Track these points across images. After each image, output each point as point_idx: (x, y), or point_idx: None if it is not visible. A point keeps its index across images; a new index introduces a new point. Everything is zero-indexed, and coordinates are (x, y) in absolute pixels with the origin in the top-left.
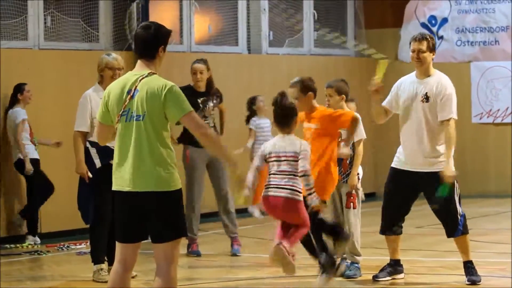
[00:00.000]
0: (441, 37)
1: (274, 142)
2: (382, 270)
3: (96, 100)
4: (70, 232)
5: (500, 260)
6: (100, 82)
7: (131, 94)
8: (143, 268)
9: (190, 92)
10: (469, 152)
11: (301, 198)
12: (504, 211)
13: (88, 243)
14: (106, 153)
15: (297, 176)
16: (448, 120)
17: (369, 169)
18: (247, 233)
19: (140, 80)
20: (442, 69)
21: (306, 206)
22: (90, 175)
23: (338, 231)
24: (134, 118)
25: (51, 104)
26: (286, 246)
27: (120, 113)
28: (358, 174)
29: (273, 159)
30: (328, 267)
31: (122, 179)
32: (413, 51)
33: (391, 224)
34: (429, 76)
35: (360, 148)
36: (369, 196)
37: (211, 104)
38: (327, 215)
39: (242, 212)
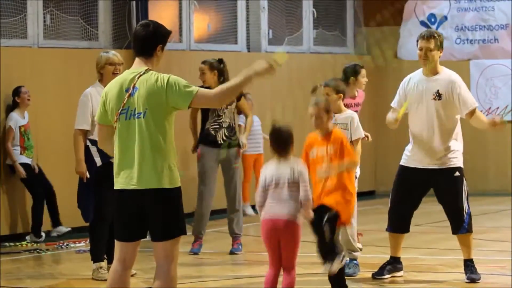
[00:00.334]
0: None
1: (272, 171)
2: (381, 268)
3: (97, 98)
4: (70, 230)
5: (500, 258)
6: (100, 80)
7: (130, 92)
8: (142, 266)
9: None
10: (468, 150)
11: (300, 223)
12: (504, 209)
13: (88, 241)
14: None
15: (297, 201)
16: (474, 109)
17: (369, 167)
18: (248, 231)
19: (138, 78)
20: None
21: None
22: (88, 176)
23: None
24: (135, 116)
25: (50, 103)
26: None
27: (119, 111)
28: (356, 173)
29: (273, 186)
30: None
31: (123, 177)
32: (421, 49)
33: (400, 222)
34: (437, 73)
35: (359, 147)
36: (369, 194)
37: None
38: None
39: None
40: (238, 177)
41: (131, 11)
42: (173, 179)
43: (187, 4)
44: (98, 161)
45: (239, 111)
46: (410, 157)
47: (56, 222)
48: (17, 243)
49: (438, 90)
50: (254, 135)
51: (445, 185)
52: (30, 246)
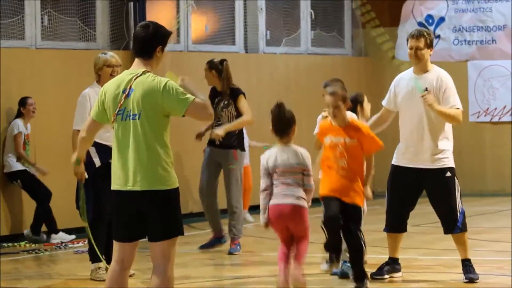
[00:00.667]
0: (438, 36)
1: (276, 155)
2: (380, 268)
3: (95, 98)
4: (68, 231)
5: (498, 258)
6: (98, 81)
7: (126, 93)
8: (141, 266)
9: (212, 92)
10: (466, 151)
11: (307, 206)
12: (502, 210)
13: (86, 242)
14: (105, 152)
15: (301, 186)
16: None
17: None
18: (245, 231)
19: (134, 79)
20: (439, 68)
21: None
22: (86, 176)
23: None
24: (131, 117)
25: (49, 104)
26: (298, 274)
27: (116, 112)
28: None
29: (276, 172)
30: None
31: (120, 178)
32: (411, 48)
33: (396, 221)
34: (427, 71)
35: None
36: None
37: (221, 104)
38: None
39: None
40: (235, 178)
41: (129, 12)
42: (169, 180)
43: (184, 5)
44: (97, 161)
45: (238, 113)
46: (401, 156)
47: (53, 228)
48: (16, 244)
49: (426, 88)
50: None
51: (437, 186)
52: (29, 247)
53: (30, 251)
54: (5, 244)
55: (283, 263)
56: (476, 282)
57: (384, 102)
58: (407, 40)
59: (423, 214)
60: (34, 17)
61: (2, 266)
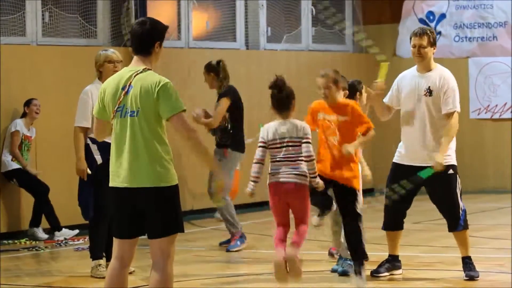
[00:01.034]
0: (439, 33)
1: (276, 128)
2: (380, 265)
3: (97, 95)
4: (69, 228)
5: (499, 256)
6: (99, 78)
7: (126, 90)
8: (141, 264)
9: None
10: (467, 148)
11: (308, 183)
12: (503, 207)
13: (86, 239)
14: (107, 149)
15: (302, 160)
16: (452, 113)
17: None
18: (245, 229)
19: (134, 76)
20: (440, 64)
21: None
22: (89, 172)
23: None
24: (129, 114)
25: (49, 100)
26: (294, 253)
27: (115, 109)
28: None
29: (276, 145)
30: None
31: (118, 176)
32: (414, 47)
33: (394, 219)
34: (430, 70)
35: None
36: (367, 192)
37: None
38: None
39: (242, 208)
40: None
41: (130, 8)
42: (168, 177)
43: (185, 2)
44: (98, 158)
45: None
46: (403, 154)
47: (57, 225)
48: (16, 241)
49: (429, 87)
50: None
51: (439, 183)
52: (29, 244)
53: (30, 248)
54: (5, 241)
55: (280, 248)
56: (476, 280)
57: (386, 99)
58: (410, 38)
59: (423, 211)
60: (35, 14)
61: (2, 263)
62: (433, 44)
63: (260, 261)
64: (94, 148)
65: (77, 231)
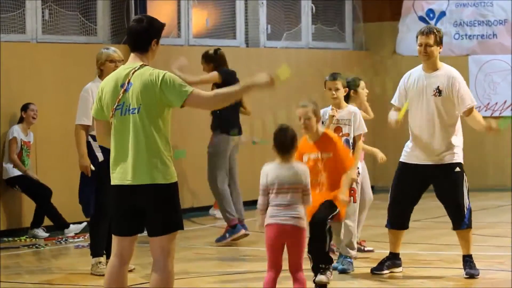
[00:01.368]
0: None
1: (276, 173)
2: (380, 263)
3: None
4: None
5: (499, 253)
6: (100, 76)
7: (125, 87)
8: (141, 261)
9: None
10: (467, 146)
11: (305, 226)
12: (503, 205)
13: (87, 237)
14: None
15: (300, 204)
16: (472, 108)
17: (367, 163)
18: (247, 225)
19: (132, 73)
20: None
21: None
22: (93, 168)
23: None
24: (130, 112)
25: (49, 98)
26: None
27: (115, 107)
28: (358, 168)
29: (276, 190)
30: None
31: (120, 173)
32: (420, 45)
33: (399, 218)
34: (437, 69)
35: (361, 142)
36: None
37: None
38: None
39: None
40: (209, 162)
41: (130, 5)
42: (169, 174)
43: None
44: (100, 156)
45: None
46: (410, 153)
47: (63, 223)
48: (16, 238)
49: (438, 86)
50: None
51: (445, 181)
52: (29, 241)
53: (31, 246)
54: (5, 239)
55: None
56: (476, 278)
57: (394, 101)
58: (417, 37)
59: (424, 209)
60: (34, 11)
61: (2, 261)
62: (439, 43)
63: (261, 259)
64: (95, 145)
65: (84, 223)
